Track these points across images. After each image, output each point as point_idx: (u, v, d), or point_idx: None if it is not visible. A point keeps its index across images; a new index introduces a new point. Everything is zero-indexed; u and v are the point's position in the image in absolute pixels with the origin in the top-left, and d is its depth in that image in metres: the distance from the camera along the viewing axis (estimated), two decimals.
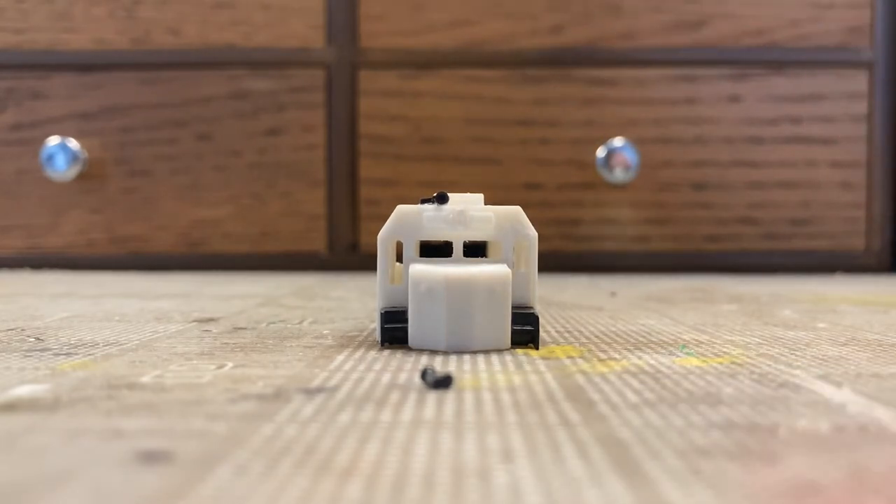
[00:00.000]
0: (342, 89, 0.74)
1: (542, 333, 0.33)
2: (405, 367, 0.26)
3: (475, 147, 0.74)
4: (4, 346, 0.30)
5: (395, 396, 0.21)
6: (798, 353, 0.29)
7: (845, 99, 0.74)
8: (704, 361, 0.27)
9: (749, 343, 0.31)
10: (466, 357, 0.27)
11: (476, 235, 0.30)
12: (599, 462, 0.16)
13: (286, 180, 0.75)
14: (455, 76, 0.74)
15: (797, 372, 0.25)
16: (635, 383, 0.23)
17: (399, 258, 0.30)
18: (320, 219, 0.75)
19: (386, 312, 0.29)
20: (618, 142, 0.73)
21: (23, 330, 0.34)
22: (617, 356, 0.28)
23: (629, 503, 0.14)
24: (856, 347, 0.30)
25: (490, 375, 0.24)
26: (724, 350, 0.29)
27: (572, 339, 0.32)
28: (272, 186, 0.75)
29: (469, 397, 0.21)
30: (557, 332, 0.34)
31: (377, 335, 0.30)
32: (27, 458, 0.16)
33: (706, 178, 0.74)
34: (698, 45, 0.74)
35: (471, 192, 0.30)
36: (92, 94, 0.75)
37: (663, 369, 0.26)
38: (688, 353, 0.29)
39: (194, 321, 0.37)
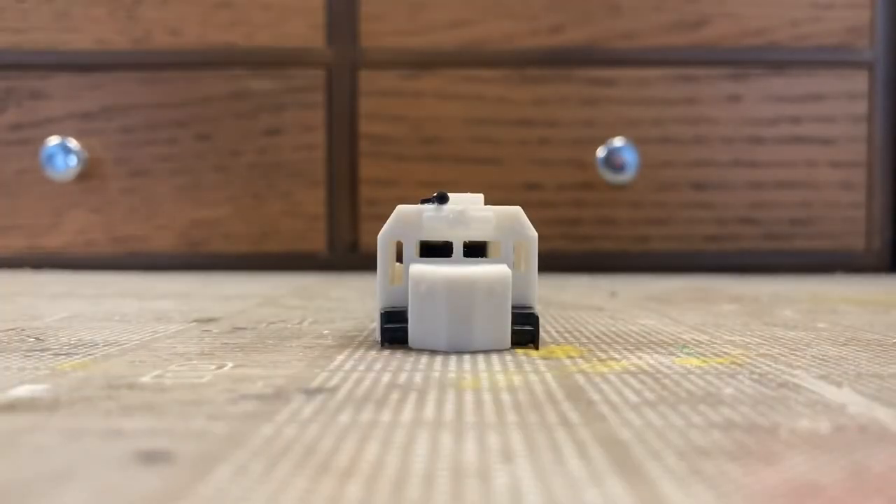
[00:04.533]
0: (342, 89, 0.74)
1: (542, 333, 0.33)
2: (405, 367, 0.26)
3: (475, 147, 0.74)
4: (4, 346, 0.30)
5: (395, 396, 0.21)
6: (798, 353, 0.29)
7: (845, 99, 0.74)
8: (704, 361, 0.27)
9: (749, 343, 0.31)
10: (466, 357, 0.27)
11: (476, 235, 0.30)
12: (599, 462, 0.16)
13: (286, 180, 0.75)
14: (455, 76, 0.74)
15: (797, 372, 0.25)
16: (635, 383, 0.23)
17: (399, 258, 0.30)
18: (320, 219, 0.75)
19: (386, 312, 0.29)
20: (618, 142, 0.73)
21: (23, 330, 0.34)
22: (617, 356, 0.28)
23: (629, 503, 0.14)
24: (856, 347, 0.30)
25: (490, 375, 0.24)
26: (725, 350, 0.29)
27: (572, 339, 0.32)
28: (272, 186, 0.75)
29: (469, 397, 0.21)
30: (557, 332, 0.34)
31: (377, 335, 0.30)
32: (27, 458, 0.16)
33: (706, 178, 0.74)
34: (698, 45, 0.74)
35: (471, 192, 0.30)
36: (92, 94, 0.75)
37: (663, 369, 0.26)
38: (688, 354, 0.29)
39: (194, 321, 0.37)
